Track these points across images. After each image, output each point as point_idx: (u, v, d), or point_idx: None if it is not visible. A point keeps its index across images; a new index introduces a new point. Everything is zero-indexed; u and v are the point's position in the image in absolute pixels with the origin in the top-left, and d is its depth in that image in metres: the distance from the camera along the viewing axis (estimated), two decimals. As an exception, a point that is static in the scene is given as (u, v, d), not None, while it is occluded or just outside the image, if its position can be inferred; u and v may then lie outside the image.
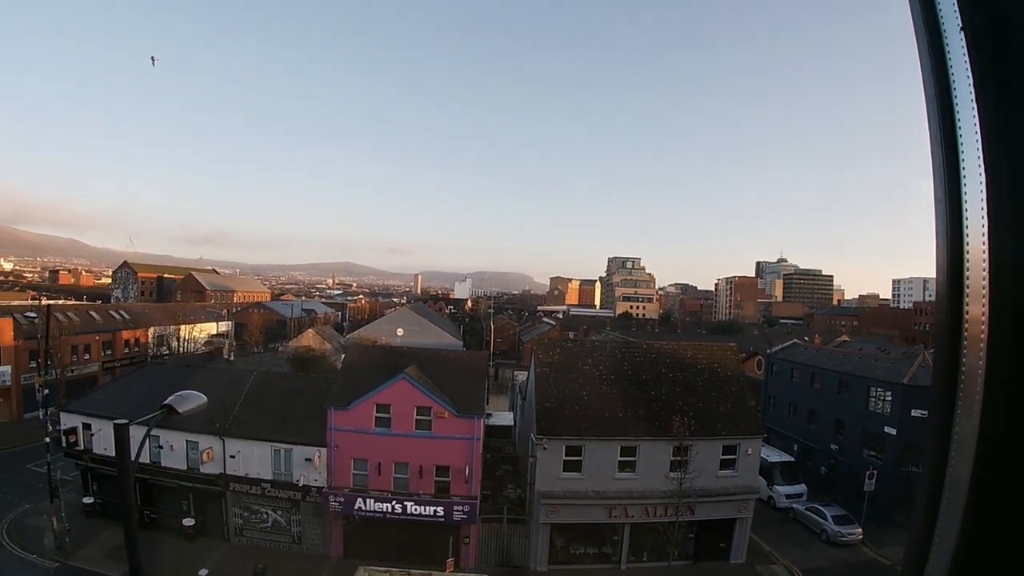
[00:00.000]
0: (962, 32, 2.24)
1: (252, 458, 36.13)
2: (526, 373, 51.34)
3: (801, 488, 45.47)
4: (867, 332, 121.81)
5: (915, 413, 40.44)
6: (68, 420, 40.18)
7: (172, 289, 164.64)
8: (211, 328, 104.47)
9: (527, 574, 35.12)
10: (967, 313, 2.23)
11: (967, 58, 2.22)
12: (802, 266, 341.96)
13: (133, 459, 9.09)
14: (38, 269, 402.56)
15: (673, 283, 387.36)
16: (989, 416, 2.12)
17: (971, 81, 2.20)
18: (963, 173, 2.24)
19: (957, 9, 2.25)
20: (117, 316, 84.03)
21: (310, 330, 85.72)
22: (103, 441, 37.57)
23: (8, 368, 62.35)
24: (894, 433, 41.92)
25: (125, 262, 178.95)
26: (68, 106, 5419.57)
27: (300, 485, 35.41)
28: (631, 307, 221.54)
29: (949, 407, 2.29)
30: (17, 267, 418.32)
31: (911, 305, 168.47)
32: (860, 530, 39.39)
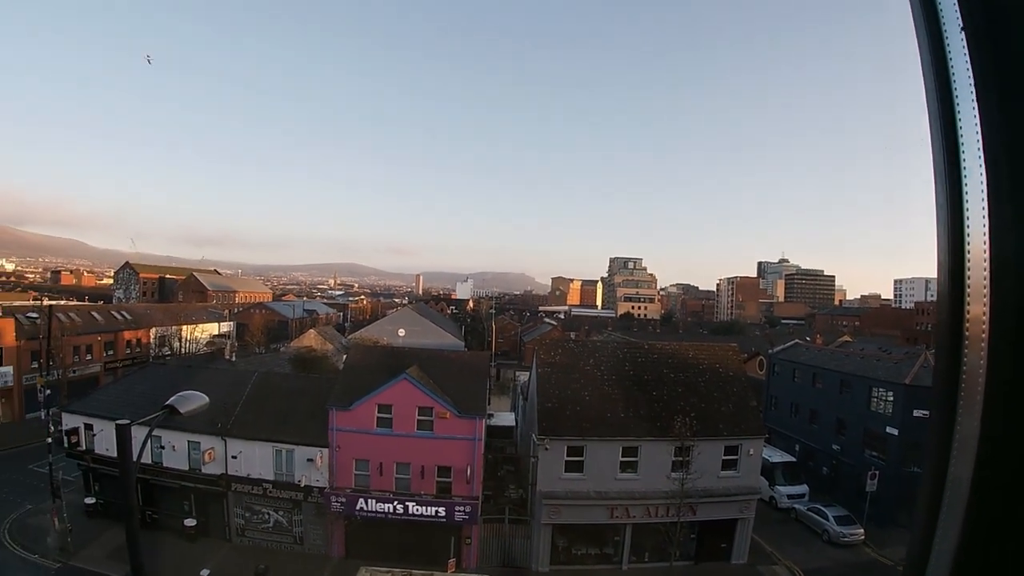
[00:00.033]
0: (962, 32, 2.23)
1: (254, 458, 36.15)
2: (528, 373, 51.33)
3: (803, 488, 45.42)
4: (869, 332, 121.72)
5: (917, 413, 40.39)
6: (70, 420, 40.19)
7: (174, 290, 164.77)
8: (213, 329, 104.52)
9: (529, 575, 35.11)
10: (968, 313, 2.22)
11: (967, 57, 2.22)
12: (804, 266, 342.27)
13: (135, 459, 9.10)
14: (40, 270, 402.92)
15: (675, 283, 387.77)
16: (990, 416, 2.12)
17: (971, 80, 2.20)
18: (964, 172, 2.24)
19: (957, 9, 2.25)
20: (119, 317, 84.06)
21: (312, 330, 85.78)
22: (105, 441, 37.59)
23: (10, 369, 62.40)
24: (896, 433, 41.87)
25: (127, 263, 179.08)
26: (69, 106, 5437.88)
27: (302, 485, 35.41)
28: (633, 307, 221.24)
29: (950, 407, 2.28)
30: (19, 268, 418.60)
31: (913, 305, 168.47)
32: (862, 530, 39.35)
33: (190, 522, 36.65)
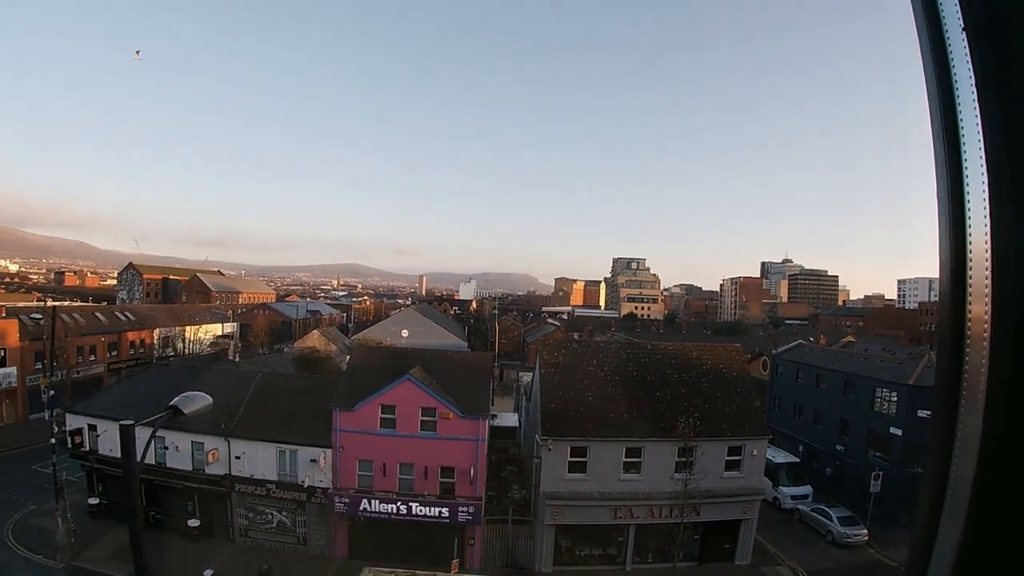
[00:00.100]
0: (964, 32, 2.24)
1: (257, 459, 36.18)
2: (531, 374, 51.36)
3: (806, 489, 45.35)
4: (873, 332, 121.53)
5: (921, 414, 40.30)
6: (73, 421, 40.26)
7: (177, 290, 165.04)
8: (216, 329, 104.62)
9: (532, 575, 35.11)
10: (970, 312, 2.23)
11: (969, 58, 2.22)
12: (807, 266, 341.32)
13: (138, 460, 9.13)
14: (44, 271, 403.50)
15: (678, 284, 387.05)
16: (992, 415, 2.12)
17: (973, 81, 2.21)
18: (965, 173, 2.24)
19: (959, 9, 2.25)
20: (122, 317, 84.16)
21: (315, 331, 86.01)
22: (108, 442, 37.68)
23: (14, 369, 62.51)
24: (900, 434, 41.80)
25: (130, 264, 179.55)
26: (69, 106, 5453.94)
27: (305, 486, 35.45)
28: (636, 308, 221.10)
29: (952, 406, 2.29)
30: (23, 269, 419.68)
31: (916, 305, 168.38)
32: (866, 531, 39.29)
33: (194, 522, 36.68)
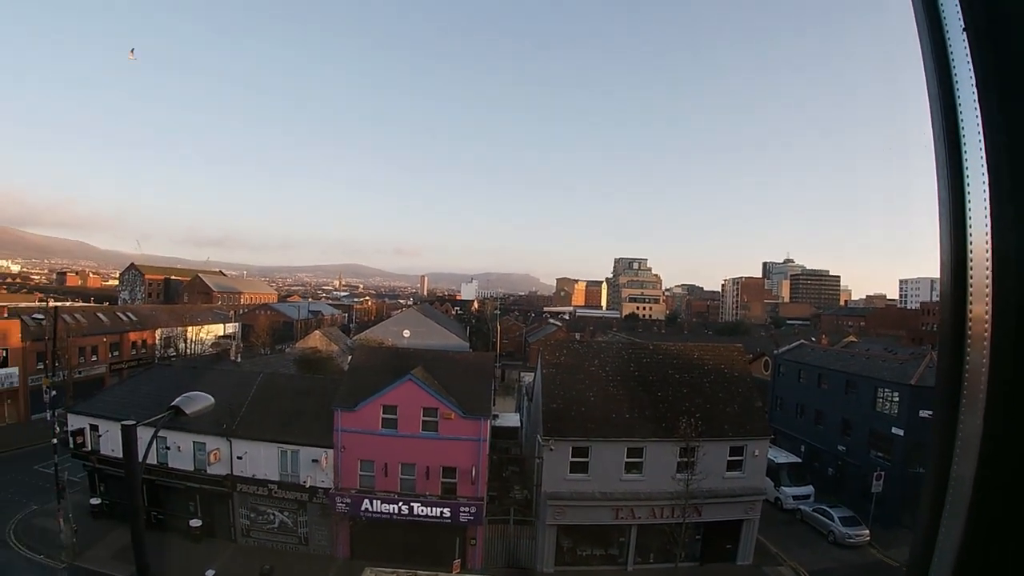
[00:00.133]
0: (964, 33, 2.24)
1: (259, 459, 36.21)
2: (532, 374, 51.34)
3: (808, 489, 45.34)
4: (874, 333, 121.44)
5: (923, 414, 40.23)
6: (75, 421, 40.34)
7: (179, 291, 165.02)
8: (218, 330, 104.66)
9: (533, 575, 35.11)
10: (971, 312, 2.23)
11: (969, 58, 2.23)
12: (809, 266, 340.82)
13: (140, 460, 9.14)
14: (45, 271, 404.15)
15: (679, 284, 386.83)
16: (993, 415, 2.12)
17: (974, 81, 2.21)
18: (966, 173, 2.25)
19: (959, 10, 2.26)
20: (124, 318, 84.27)
21: (317, 331, 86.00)
22: (110, 442, 37.75)
23: (15, 370, 62.61)
24: (902, 434, 41.77)
25: (132, 264, 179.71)
26: (69, 106, 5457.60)
27: (307, 486, 35.48)
28: (637, 308, 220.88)
29: (953, 406, 2.29)
30: (24, 269, 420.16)
31: (918, 305, 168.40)
32: (867, 531, 39.26)
33: (195, 523, 36.74)
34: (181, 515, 37.28)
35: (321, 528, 36.41)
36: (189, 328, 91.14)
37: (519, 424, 54.10)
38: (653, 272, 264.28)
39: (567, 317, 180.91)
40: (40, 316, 68.48)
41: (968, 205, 2.24)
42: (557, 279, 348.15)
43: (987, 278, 2.15)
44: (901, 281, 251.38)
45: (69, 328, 68.44)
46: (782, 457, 47.50)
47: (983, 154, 2.17)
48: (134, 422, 8.70)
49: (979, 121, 2.19)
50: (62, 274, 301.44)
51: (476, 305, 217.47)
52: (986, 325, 2.15)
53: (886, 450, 43.43)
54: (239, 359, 66.54)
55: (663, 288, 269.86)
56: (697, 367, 38.62)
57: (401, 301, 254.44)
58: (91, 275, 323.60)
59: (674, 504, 33.44)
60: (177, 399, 9.69)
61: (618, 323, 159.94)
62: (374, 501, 34.62)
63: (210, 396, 10.09)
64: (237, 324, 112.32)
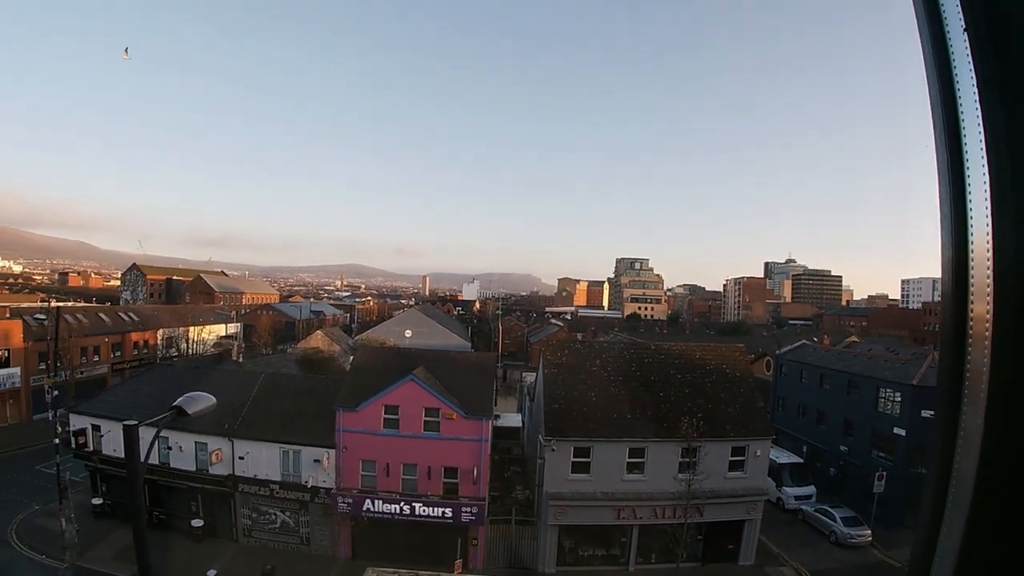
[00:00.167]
0: (965, 33, 2.25)
1: (261, 459, 36.23)
2: (534, 374, 51.36)
3: (810, 490, 45.30)
4: (876, 333, 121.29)
5: (925, 414, 40.22)
6: (77, 422, 40.37)
7: (181, 291, 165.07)
8: (220, 330, 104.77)
9: (535, 575, 35.12)
10: (972, 311, 2.24)
11: (970, 58, 2.23)
12: (811, 267, 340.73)
13: (142, 460, 9.14)
14: (47, 271, 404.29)
15: (681, 284, 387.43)
16: (994, 414, 2.13)
17: (974, 81, 2.21)
18: (967, 173, 2.25)
19: (960, 10, 2.26)
20: (126, 318, 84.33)
21: (319, 332, 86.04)
22: (112, 442, 37.78)
23: (18, 370, 62.66)
24: (904, 434, 41.73)
25: (134, 264, 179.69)
26: (69, 106, 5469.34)
27: (309, 486, 35.49)
28: (639, 308, 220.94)
29: (955, 405, 2.30)
30: (26, 269, 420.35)
31: (920, 305, 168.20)
32: (869, 532, 39.24)
33: (197, 523, 36.76)
34: (183, 515, 37.32)
35: (323, 528, 36.43)
36: (191, 328, 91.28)
37: (521, 424, 54.19)
38: (655, 272, 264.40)
39: (569, 317, 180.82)
40: (42, 316, 68.56)
41: (969, 205, 2.24)
42: (559, 279, 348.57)
43: (988, 278, 2.15)
44: (903, 281, 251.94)
45: (71, 328, 68.56)
46: (784, 457, 47.46)
47: (984, 153, 2.17)
48: (136, 422, 8.70)
49: (980, 120, 2.19)
50: (64, 274, 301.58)
51: (478, 305, 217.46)
52: (987, 325, 2.16)
53: (888, 450, 43.39)
54: (241, 359, 66.69)
55: (665, 288, 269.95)
56: (699, 367, 38.61)
57: (403, 301, 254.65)
58: (93, 275, 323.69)
59: (676, 504, 33.43)
60: (179, 399, 9.70)
61: (620, 323, 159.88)
62: (376, 501, 34.62)
63: (212, 396, 10.10)
64: (239, 324, 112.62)
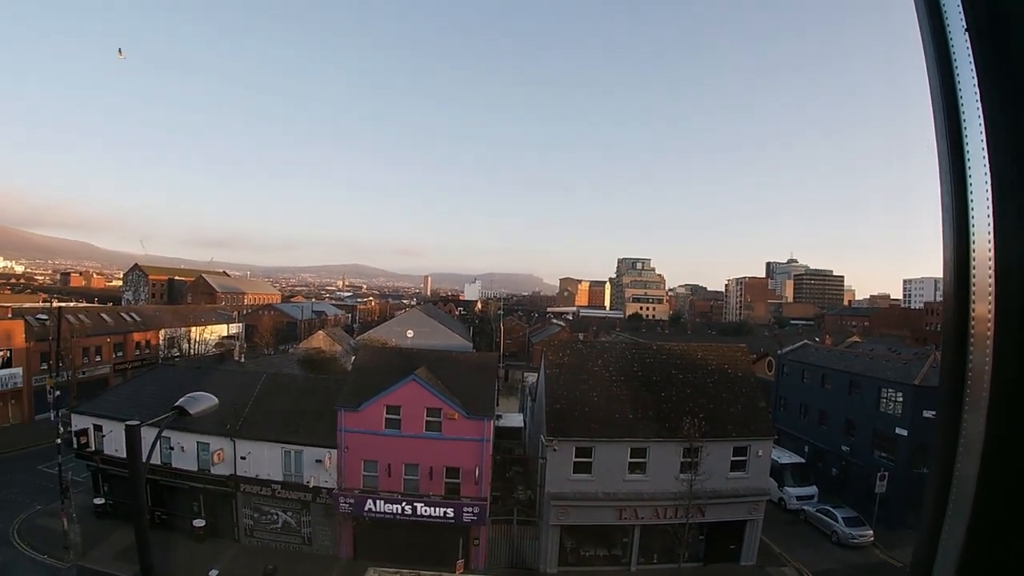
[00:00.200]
0: (966, 32, 2.24)
1: (262, 459, 36.24)
2: (536, 375, 51.35)
3: (812, 490, 45.27)
4: (878, 333, 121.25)
5: (927, 414, 40.20)
6: (79, 422, 40.41)
7: (183, 291, 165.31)
8: (222, 330, 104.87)
9: (537, 575, 35.11)
10: (974, 312, 2.24)
11: (972, 58, 2.23)
12: (812, 266, 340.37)
13: (144, 460, 9.14)
14: (49, 272, 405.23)
15: (683, 284, 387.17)
16: (996, 415, 2.12)
17: (976, 81, 2.21)
18: (969, 173, 2.25)
19: (961, 10, 2.26)
20: (128, 318, 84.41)
21: (320, 332, 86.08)
22: (114, 442, 37.79)
23: (20, 370, 62.69)
24: (905, 434, 41.71)
25: (136, 264, 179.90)
26: (69, 107, 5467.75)
27: (310, 486, 35.50)
28: (641, 308, 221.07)
29: (957, 406, 2.29)
30: (28, 270, 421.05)
31: (922, 305, 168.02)
32: (871, 532, 39.21)
33: (199, 523, 36.77)
34: (185, 515, 37.34)
35: (324, 528, 36.44)
36: (193, 328, 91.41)
37: (522, 424, 54.20)
38: (657, 272, 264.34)
39: (570, 317, 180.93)
40: (44, 317, 68.70)
41: (970, 205, 2.24)
42: (560, 279, 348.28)
43: (990, 278, 2.15)
44: (905, 281, 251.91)
45: (73, 328, 68.64)
46: (786, 457, 47.43)
47: (985, 153, 2.17)
48: (138, 422, 8.70)
49: (981, 120, 2.19)
50: (66, 274, 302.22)
51: (479, 305, 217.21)
52: (989, 325, 2.16)
53: (890, 450, 43.37)
54: (243, 359, 66.60)
55: (666, 288, 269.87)
56: (700, 367, 38.61)
57: (404, 301, 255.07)
58: (95, 276, 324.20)
59: (677, 504, 33.41)
60: (181, 399, 9.69)
61: (621, 323, 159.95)
62: (377, 501, 34.63)
63: (214, 396, 10.09)
64: (241, 324, 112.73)
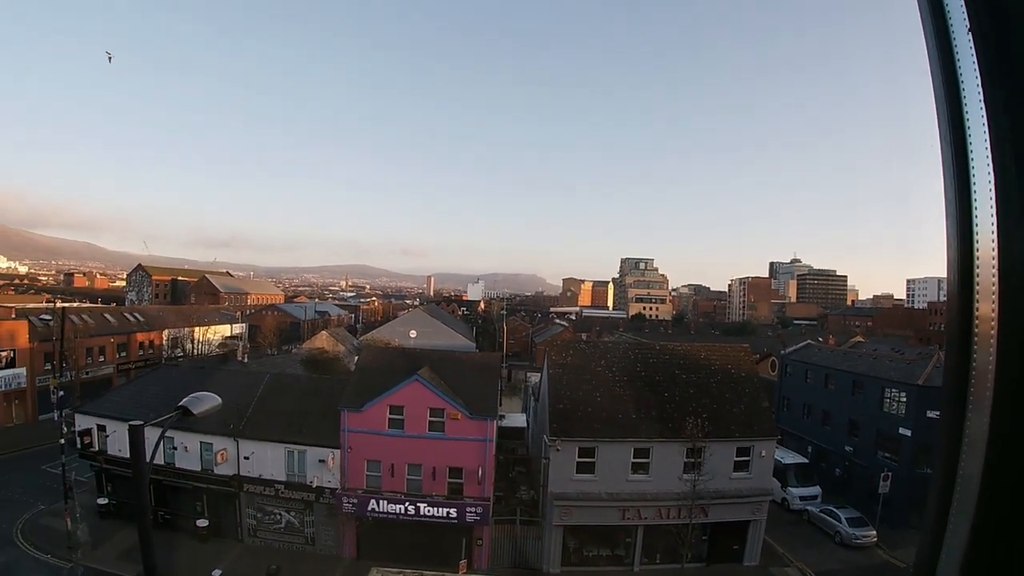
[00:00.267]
0: (969, 32, 2.24)
1: (266, 459, 36.28)
2: (539, 375, 51.32)
3: (815, 490, 45.22)
4: (882, 332, 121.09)
5: (930, 414, 40.10)
6: (83, 422, 40.44)
7: (186, 292, 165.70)
8: (225, 330, 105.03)
9: (540, 575, 35.14)
10: (977, 311, 2.23)
11: (975, 58, 2.23)
12: (816, 266, 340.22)
13: (148, 460, 9.16)
14: (53, 272, 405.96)
15: (686, 284, 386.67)
16: (999, 414, 2.12)
17: (979, 81, 2.21)
18: (972, 172, 2.25)
19: (964, 10, 2.26)
20: (131, 319, 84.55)
21: (324, 332, 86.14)
22: (118, 442, 37.79)
23: (23, 370, 62.85)
24: (909, 434, 41.64)
25: (139, 265, 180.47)
26: (70, 107, 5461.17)
27: (314, 486, 35.52)
28: (644, 308, 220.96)
29: (960, 405, 2.29)
30: (32, 270, 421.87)
31: (926, 305, 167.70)
32: (874, 532, 39.15)
33: (202, 523, 36.83)
34: (188, 515, 37.38)
35: (328, 528, 36.46)
36: (196, 329, 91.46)
37: (526, 424, 54.18)
38: (660, 272, 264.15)
39: (573, 317, 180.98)
40: (47, 317, 68.78)
41: (974, 204, 2.24)
42: (563, 279, 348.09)
43: (993, 277, 2.15)
44: (908, 281, 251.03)
45: (76, 329, 68.72)
46: (789, 458, 47.39)
47: (989, 153, 2.17)
48: (141, 422, 8.72)
49: (984, 119, 2.19)
50: (69, 275, 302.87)
51: (482, 305, 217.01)
52: (993, 324, 2.15)
53: (893, 451, 43.32)
54: (246, 360, 66.79)
55: (669, 288, 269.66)
56: (704, 367, 38.58)
57: (407, 301, 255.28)
58: (98, 276, 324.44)
59: (681, 505, 33.39)
60: (184, 399, 9.72)
61: (624, 323, 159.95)
62: (380, 501, 34.65)
63: (217, 396, 10.12)
64: (244, 325, 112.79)
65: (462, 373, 37.82)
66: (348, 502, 34.85)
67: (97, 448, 39.40)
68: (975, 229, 2.23)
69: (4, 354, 61.51)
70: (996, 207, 2.14)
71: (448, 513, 34.41)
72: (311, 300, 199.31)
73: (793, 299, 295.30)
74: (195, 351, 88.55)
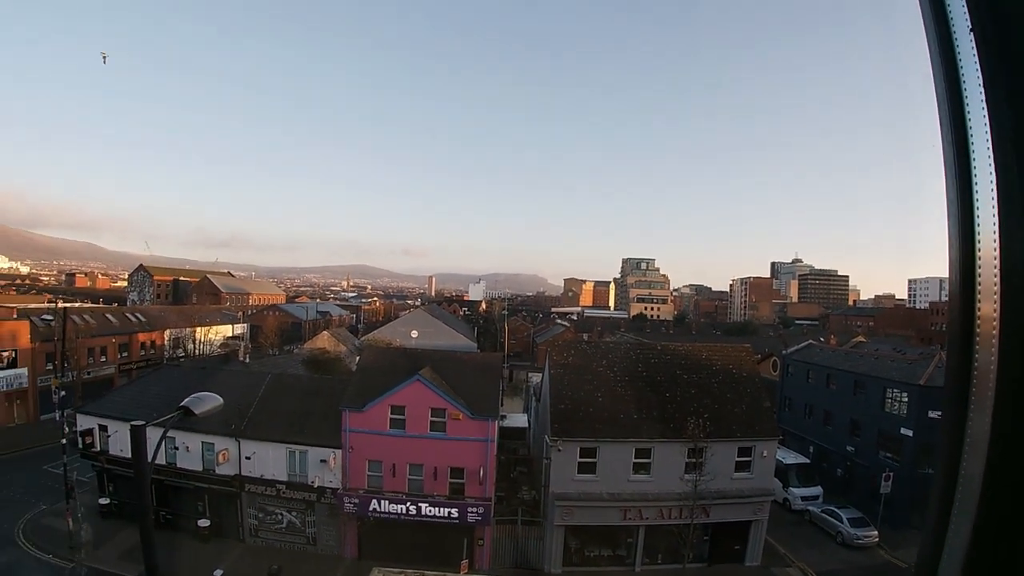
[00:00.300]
0: (971, 33, 2.24)
1: (267, 459, 36.28)
2: (540, 375, 51.32)
3: (817, 490, 45.16)
4: (883, 333, 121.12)
5: (932, 414, 40.04)
6: (84, 422, 40.44)
7: (188, 292, 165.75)
8: (227, 330, 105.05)
9: (541, 576, 35.13)
10: (979, 312, 2.24)
11: (977, 58, 2.23)
12: (817, 266, 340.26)
13: (149, 460, 9.16)
14: (54, 272, 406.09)
15: (687, 284, 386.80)
16: (1001, 414, 2.13)
17: (981, 81, 2.21)
18: (974, 173, 2.25)
19: (966, 10, 2.26)
20: (133, 319, 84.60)
21: (325, 332, 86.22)
22: (119, 443, 37.82)
23: (25, 370, 62.91)
24: (911, 435, 41.59)
25: (141, 265, 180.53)
26: (70, 107, 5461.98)
27: (315, 486, 35.53)
28: (645, 308, 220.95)
29: (962, 405, 2.30)
30: (34, 270, 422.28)
31: (927, 305, 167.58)
32: (876, 532, 39.11)
33: (204, 522, 36.82)
34: (190, 515, 37.38)
35: (329, 528, 36.47)
36: (198, 329, 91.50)
37: (527, 425, 54.15)
38: (661, 272, 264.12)
39: (575, 317, 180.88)
40: (49, 317, 68.86)
41: (976, 204, 2.24)
42: (565, 279, 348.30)
43: (995, 277, 2.15)
44: (910, 281, 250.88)
45: (78, 329, 68.72)
46: (791, 458, 47.34)
47: (991, 153, 2.17)
48: (143, 422, 8.72)
49: (986, 119, 2.19)
50: (71, 275, 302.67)
51: (484, 306, 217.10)
52: (994, 324, 2.16)
53: (895, 451, 43.26)
54: (248, 360, 66.88)
55: (671, 288, 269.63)
56: (705, 367, 38.56)
57: (409, 302, 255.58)
58: (100, 276, 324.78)
59: (682, 505, 33.36)
60: (186, 399, 9.71)
61: (626, 323, 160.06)
62: (382, 501, 34.65)
63: (219, 396, 10.11)
64: (245, 325, 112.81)
65: (463, 373, 37.81)
66: (349, 502, 34.85)
67: (99, 448, 39.41)
68: (977, 229, 2.23)
69: (6, 354, 61.60)
70: (998, 207, 2.14)
71: (449, 513, 34.40)
72: (312, 300, 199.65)
73: (794, 299, 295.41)
74: (197, 351, 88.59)
